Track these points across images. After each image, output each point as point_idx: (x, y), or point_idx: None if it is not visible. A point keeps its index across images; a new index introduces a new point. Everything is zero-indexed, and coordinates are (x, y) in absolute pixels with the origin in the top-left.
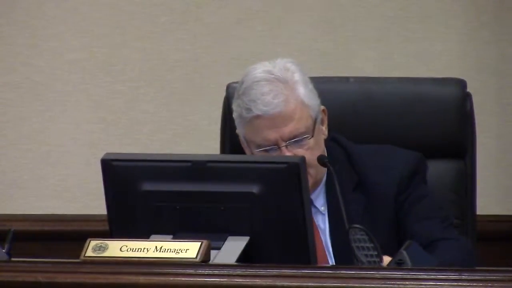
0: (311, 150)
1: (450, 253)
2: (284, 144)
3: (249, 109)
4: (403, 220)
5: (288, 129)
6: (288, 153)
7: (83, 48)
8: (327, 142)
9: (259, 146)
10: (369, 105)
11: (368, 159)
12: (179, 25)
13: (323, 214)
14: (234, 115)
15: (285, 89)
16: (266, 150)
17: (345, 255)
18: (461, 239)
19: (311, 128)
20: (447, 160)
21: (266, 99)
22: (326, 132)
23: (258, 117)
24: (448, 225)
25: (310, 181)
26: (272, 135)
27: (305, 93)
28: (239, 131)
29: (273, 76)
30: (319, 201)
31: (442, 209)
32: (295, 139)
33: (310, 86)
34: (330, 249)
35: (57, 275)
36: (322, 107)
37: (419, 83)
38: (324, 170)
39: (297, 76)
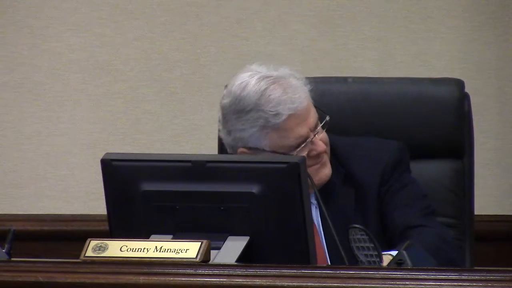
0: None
1: (423, 238)
2: (313, 134)
3: (277, 114)
4: (385, 209)
5: (312, 119)
6: (320, 142)
7: (83, 48)
8: None
9: (290, 148)
10: (367, 105)
11: (352, 151)
12: (179, 25)
13: (316, 207)
14: (249, 132)
15: (293, 83)
16: (299, 150)
17: (338, 248)
18: (439, 227)
19: (317, 120)
20: (445, 160)
21: (289, 97)
22: None
23: (290, 116)
24: (428, 213)
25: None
26: (303, 130)
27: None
28: (258, 144)
29: (272, 78)
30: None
31: (424, 198)
32: (317, 127)
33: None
34: (324, 242)
35: (57, 275)
36: None
37: (417, 83)
38: None
39: (281, 70)
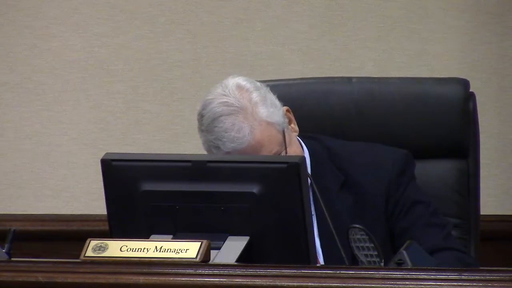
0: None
1: (449, 261)
2: None
3: (217, 147)
4: (400, 223)
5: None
6: None
7: (83, 48)
8: (308, 140)
9: None
10: (372, 105)
11: (354, 158)
12: (179, 25)
13: (312, 215)
14: (204, 146)
15: (246, 119)
16: None
17: (333, 256)
18: (462, 250)
19: (282, 142)
20: (450, 160)
21: (231, 136)
22: (297, 128)
23: (228, 153)
24: (448, 233)
25: None
26: None
27: (267, 113)
28: None
29: (231, 108)
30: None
31: (439, 215)
32: None
33: (268, 98)
34: (320, 250)
35: (57, 275)
36: (285, 108)
37: (422, 83)
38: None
39: (255, 96)
